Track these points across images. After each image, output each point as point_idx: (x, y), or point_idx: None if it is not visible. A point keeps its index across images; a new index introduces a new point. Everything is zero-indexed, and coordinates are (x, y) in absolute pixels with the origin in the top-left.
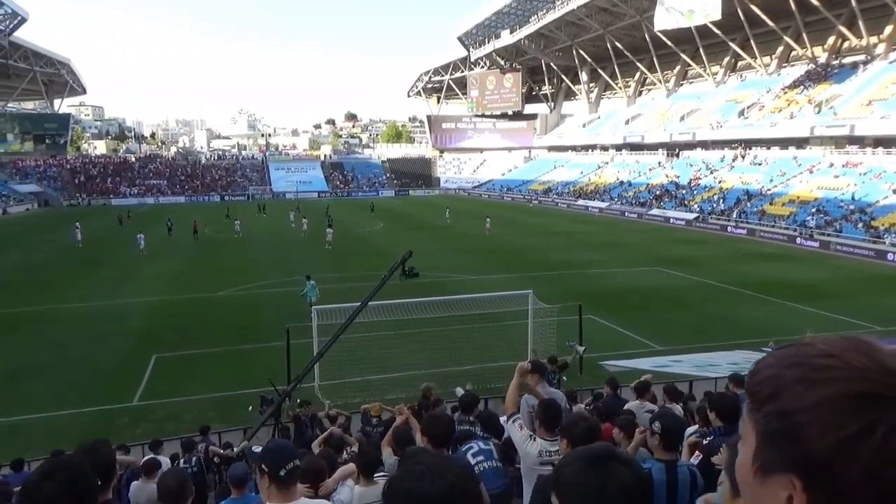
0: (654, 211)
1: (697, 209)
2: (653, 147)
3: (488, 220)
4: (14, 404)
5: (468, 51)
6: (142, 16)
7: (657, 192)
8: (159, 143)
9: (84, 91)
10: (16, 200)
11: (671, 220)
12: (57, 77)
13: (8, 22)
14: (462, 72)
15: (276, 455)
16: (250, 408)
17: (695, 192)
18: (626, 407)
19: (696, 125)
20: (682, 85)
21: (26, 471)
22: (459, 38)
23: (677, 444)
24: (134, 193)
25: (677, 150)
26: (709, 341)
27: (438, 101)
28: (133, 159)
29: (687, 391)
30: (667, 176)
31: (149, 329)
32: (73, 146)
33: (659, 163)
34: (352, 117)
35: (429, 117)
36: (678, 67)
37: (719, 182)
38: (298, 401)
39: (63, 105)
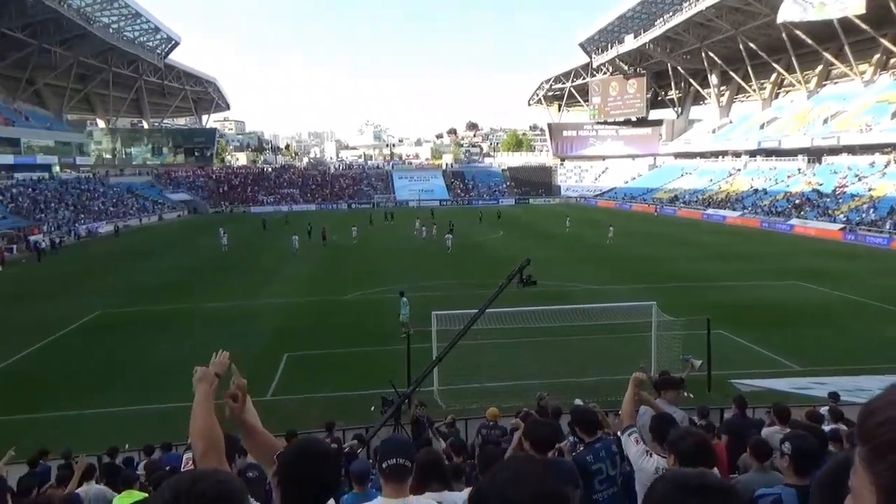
0: (794, 220)
1: (843, 219)
2: (791, 153)
3: (611, 228)
4: (163, 392)
5: (590, 57)
6: (278, 40)
7: (797, 201)
8: (293, 155)
9: (228, 107)
10: (169, 208)
11: (813, 231)
12: (204, 95)
13: (164, 46)
14: (583, 79)
15: (385, 448)
16: (372, 408)
17: (840, 200)
18: (762, 433)
19: (840, 128)
20: (824, 85)
21: (175, 452)
22: (581, 45)
23: (811, 468)
24: (270, 202)
25: (820, 156)
26: (856, 364)
27: (559, 109)
28: (269, 170)
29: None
30: (808, 183)
31: (282, 328)
32: (217, 158)
33: (799, 169)
34: (472, 126)
35: (549, 125)
36: (820, 67)
37: (869, 190)
38: (417, 400)
39: (209, 120)
